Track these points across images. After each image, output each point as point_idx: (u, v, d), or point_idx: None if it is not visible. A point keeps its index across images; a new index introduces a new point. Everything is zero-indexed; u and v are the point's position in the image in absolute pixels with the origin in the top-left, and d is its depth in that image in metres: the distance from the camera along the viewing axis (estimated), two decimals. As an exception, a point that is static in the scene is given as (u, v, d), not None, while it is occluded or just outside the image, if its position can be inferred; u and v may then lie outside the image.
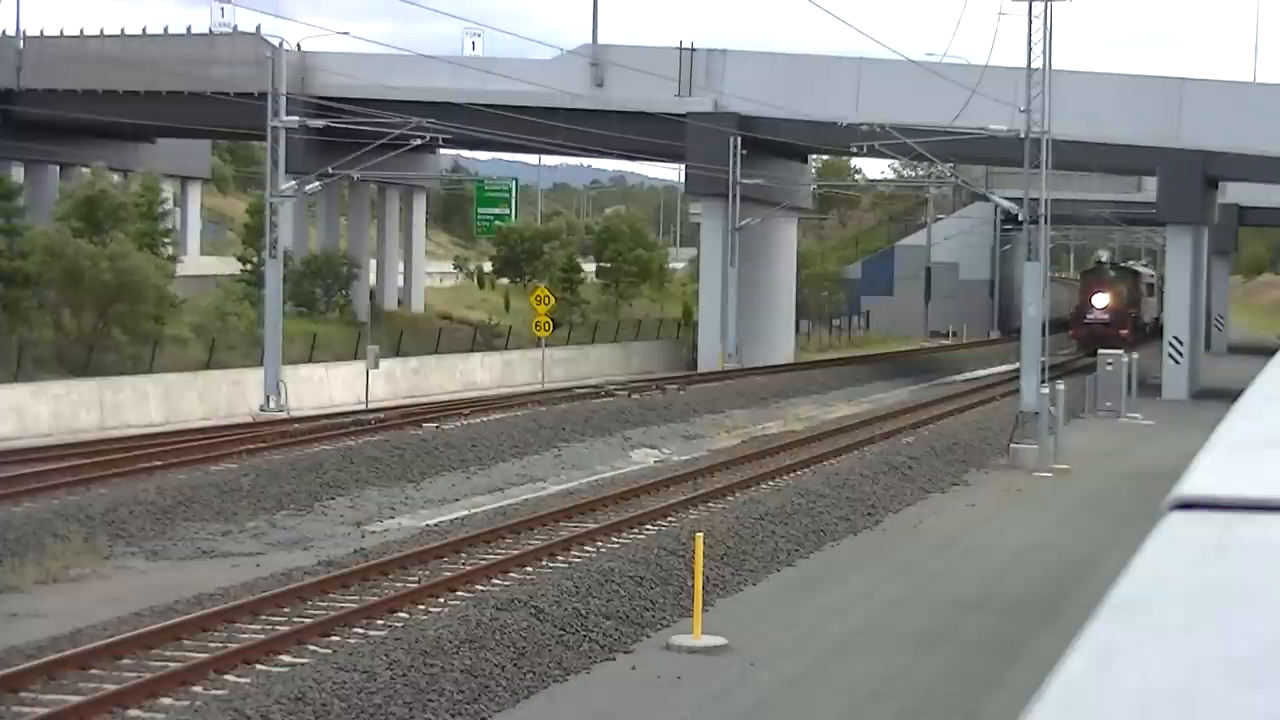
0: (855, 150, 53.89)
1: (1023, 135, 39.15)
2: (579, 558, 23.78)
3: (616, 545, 24.74)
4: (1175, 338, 56.20)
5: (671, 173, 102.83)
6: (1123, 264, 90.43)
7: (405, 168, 57.76)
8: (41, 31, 67.16)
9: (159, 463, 31.90)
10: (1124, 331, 69.96)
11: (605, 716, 17.09)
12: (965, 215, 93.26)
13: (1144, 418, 47.69)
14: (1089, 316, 73.53)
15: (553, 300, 57.37)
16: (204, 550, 25.56)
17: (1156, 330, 79.21)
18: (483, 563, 23.07)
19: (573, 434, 40.03)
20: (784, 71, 59.54)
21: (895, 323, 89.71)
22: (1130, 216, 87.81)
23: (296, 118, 43.07)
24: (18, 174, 61.98)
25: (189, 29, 65.69)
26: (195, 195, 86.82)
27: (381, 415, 40.78)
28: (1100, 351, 52.20)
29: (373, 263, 71.75)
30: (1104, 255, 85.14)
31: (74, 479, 29.50)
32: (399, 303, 74.89)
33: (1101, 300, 73.06)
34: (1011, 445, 37.84)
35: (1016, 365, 46.42)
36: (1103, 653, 1.39)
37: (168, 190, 64.24)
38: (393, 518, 28.87)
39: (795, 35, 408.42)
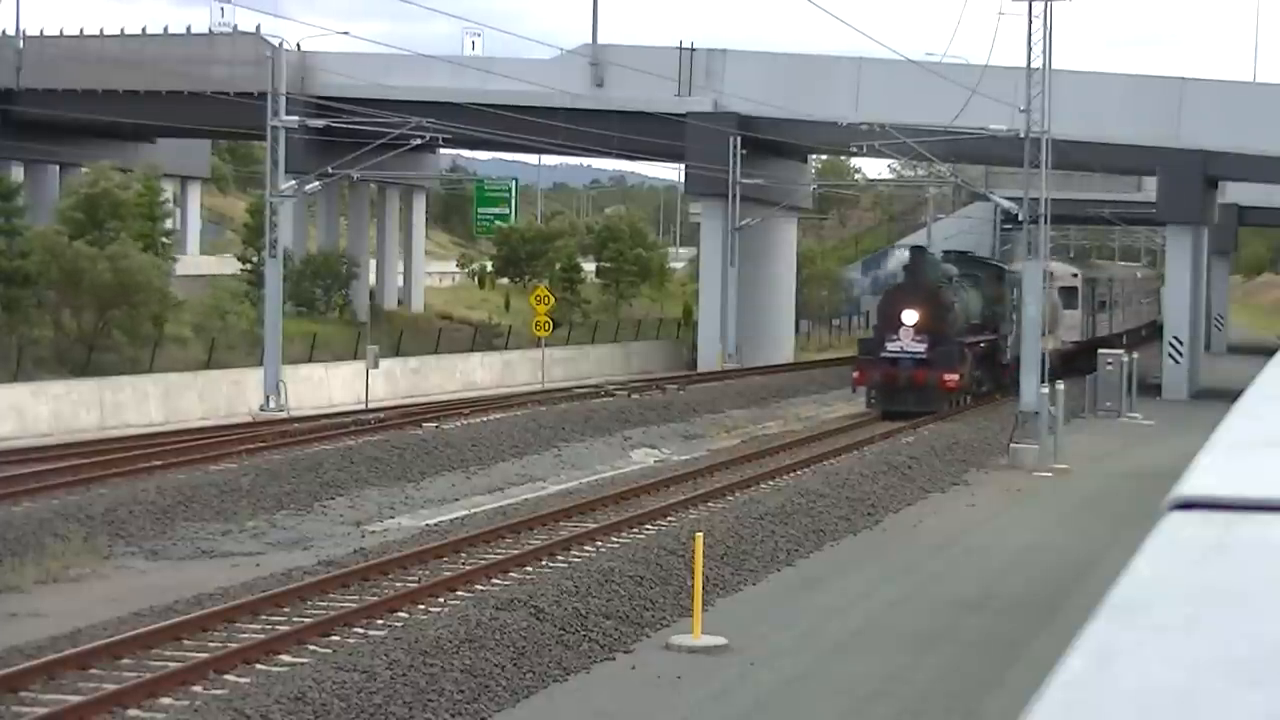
0: (855, 150, 53.89)
1: (1023, 135, 39.16)
2: (579, 558, 23.78)
3: (616, 545, 24.74)
4: (1175, 338, 56.17)
5: (671, 173, 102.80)
6: (981, 256, 59.79)
7: (405, 168, 57.77)
8: (41, 31, 67.23)
9: (159, 463, 31.89)
10: (951, 377, 43.69)
11: (605, 716, 17.09)
12: (965, 215, 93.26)
13: (1144, 418, 47.67)
14: (890, 347, 44.14)
15: (553, 300, 57.37)
16: (204, 550, 25.56)
17: (1076, 355, 57.17)
18: (483, 563, 23.06)
19: (573, 434, 40.02)
20: (784, 71, 59.54)
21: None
22: (1130, 216, 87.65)
23: (296, 117, 43.06)
24: (18, 174, 62.00)
25: (189, 29, 65.71)
26: (195, 195, 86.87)
27: (381, 415, 40.77)
28: (1100, 351, 51.48)
29: (373, 263, 71.78)
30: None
31: (74, 479, 29.49)
32: (399, 303, 74.91)
33: (913, 316, 43.92)
34: (1011, 445, 37.83)
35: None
36: (1103, 653, 1.39)
37: (168, 190, 64.25)
38: (393, 518, 28.86)
39: (795, 35, 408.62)
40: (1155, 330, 76.85)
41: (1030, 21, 39.11)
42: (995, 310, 49.29)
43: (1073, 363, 55.73)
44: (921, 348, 43.50)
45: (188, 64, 61.40)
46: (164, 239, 56.55)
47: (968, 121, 44.86)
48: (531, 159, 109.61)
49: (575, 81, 59.32)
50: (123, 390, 41.83)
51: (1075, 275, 62.55)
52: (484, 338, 65.24)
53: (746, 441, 40.22)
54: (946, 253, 52.69)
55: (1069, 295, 61.08)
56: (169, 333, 49.49)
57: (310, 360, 50.04)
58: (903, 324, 43.87)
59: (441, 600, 20.71)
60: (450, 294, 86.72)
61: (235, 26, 63.47)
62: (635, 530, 26.11)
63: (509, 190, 62.00)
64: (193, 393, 43.66)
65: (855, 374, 45.44)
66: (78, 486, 28.82)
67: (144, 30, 65.65)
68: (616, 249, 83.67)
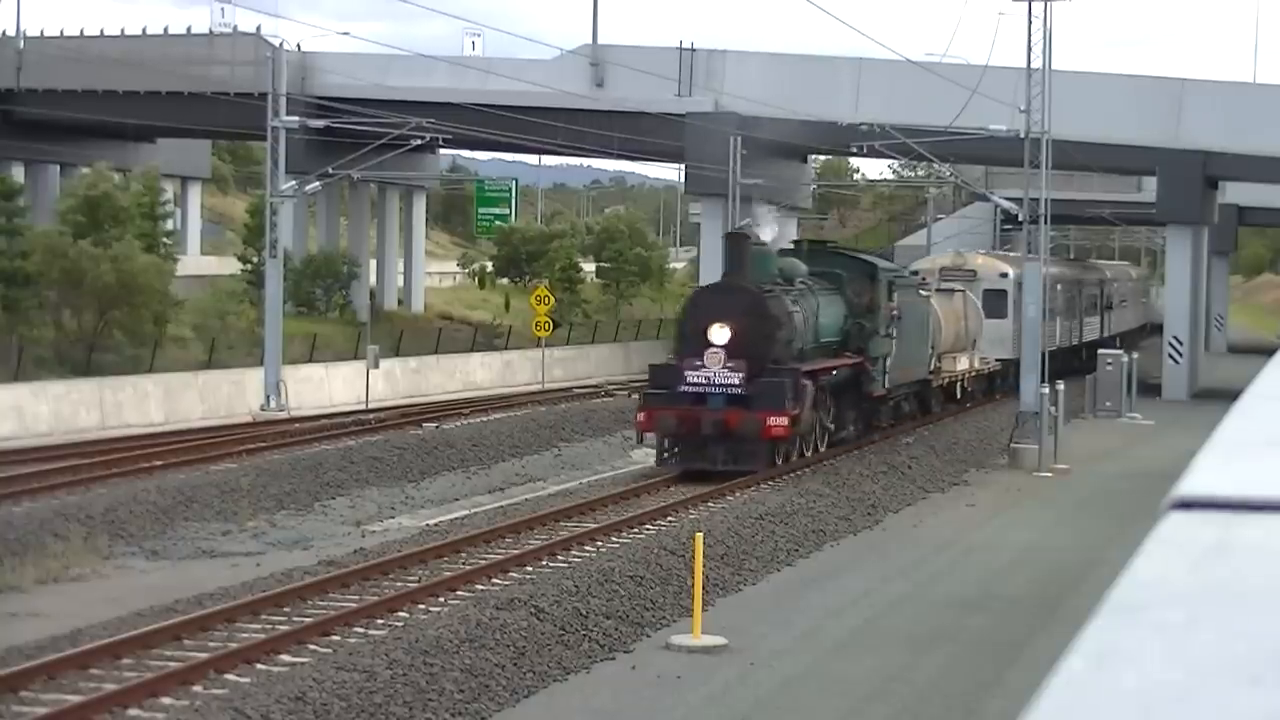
0: (855, 150, 53.84)
1: (1023, 135, 39.17)
2: (579, 558, 23.78)
3: (616, 545, 24.74)
4: (1175, 338, 56.18)
5: (671, 173, 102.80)
6: (846, 249, 44.35)
7: (405, 168, 57.74)
8: (41, 31, 67.17)
9: (159, 463, 31.90)
10: (778, 421, 30.61)
11: (605, 716, 17.09)
12: (965, 215, 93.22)
13: (1144, 418, 47.67)
14: (692, 377, 31.03)
15: (553, 300, 57.38)
16: (204, 550, 25.58)
17: (1009, 375, 46.00)
18: (483, 563, 23.06)
19: (573, 434, 40.03)
20: (784, 71, 59.53)
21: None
22: (1130, 216, 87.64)
23: (296, 118, 43.05)
24: (18, 174, 62.00)
25: (189, 29, 65.68)
26: (195, 195, 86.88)
27: (381, 415, 40.78)
28: (1100, 351, 51.44)
29: (373, 263, 71.77)
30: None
31: (74, 479, 29.49)
32: (399, 303, 74.90)
33: (725, 334, 30.87)
34: (1011, 445, 37.82)
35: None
36: (1103, 653, 1.39)
37: (168, 190, 64.23)
38: (393, 517, 28.88)
39: (795, 35, 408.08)
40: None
41: (1030, 22, 39.13)
42: (862, 324, 36.05)
43: (1003, 383, 47.31)
44: (736, 379, 30.59)
45: (188, 64, 61.35)
46: (165, 239, 56.56)
47: (968, 122, 44.83)
48: (531, 159, 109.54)
49: (575, 81, 59.30)
50: (123, 390, 41.81)
51: (1005, 275, 50.36)
52: (484, 338, 65.24)
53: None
54: (796, 242, 39.85)
55: (996, 300, 49.61)
56: (169, 333, 49.51)
57: (311, 360, 50.03)
58: (710, 344, 30.78)
59: (441, 600, 20.71)
60: (450, 294, 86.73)
61: (235, 27, 63.43)
62: (635, 530, 26.10)
63: (509, 190, 61.93)
64: (193, 393, 43.65)
65: (640, 416, 31.73)
66: (78, 486, 28.82)
67: (144, 31, 65.60)
68: (616, 249, 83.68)
